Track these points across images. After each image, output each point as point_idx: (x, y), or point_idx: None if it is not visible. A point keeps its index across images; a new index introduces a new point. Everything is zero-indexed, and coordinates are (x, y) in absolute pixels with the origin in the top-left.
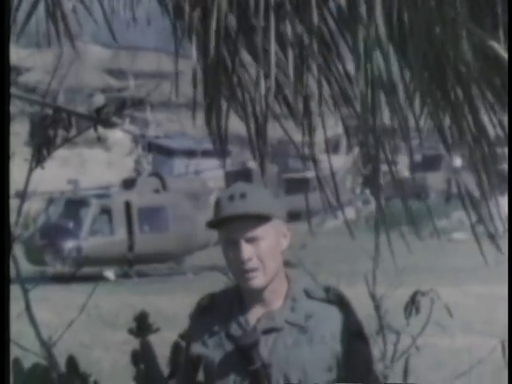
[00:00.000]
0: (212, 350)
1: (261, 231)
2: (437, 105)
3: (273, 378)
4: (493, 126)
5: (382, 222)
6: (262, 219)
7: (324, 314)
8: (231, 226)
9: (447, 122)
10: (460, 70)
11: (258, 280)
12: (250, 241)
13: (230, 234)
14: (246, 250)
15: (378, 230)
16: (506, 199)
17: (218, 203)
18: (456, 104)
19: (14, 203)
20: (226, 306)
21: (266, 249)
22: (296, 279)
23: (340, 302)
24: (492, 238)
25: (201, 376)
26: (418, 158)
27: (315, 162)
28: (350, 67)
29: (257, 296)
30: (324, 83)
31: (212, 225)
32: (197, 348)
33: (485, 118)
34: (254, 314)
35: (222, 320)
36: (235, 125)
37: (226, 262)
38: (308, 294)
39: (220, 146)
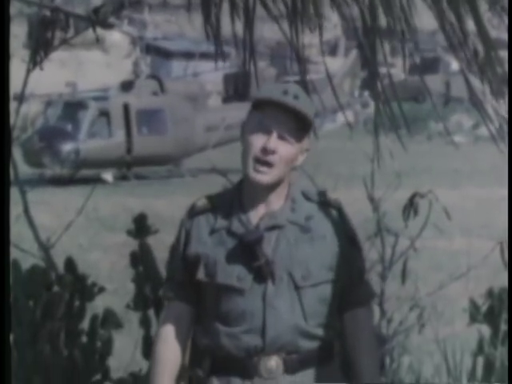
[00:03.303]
0: (212, 248)
1: (295, 137)
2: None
3: (276, 274)
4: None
5: (381, 124)
6: (301, 126)
7: (322, 216)
8: (273, 114)
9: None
10: None
11: (266, 176)
12: (281, 138)
13: (267, 120)
14: (275, 142)
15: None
16: (505, 101)
17: (267, 89)
18: (457, 4)
19: (11, 105)
20: (224, 206)
21: (287, 154)
22: (294, 181)
23: (336, 206)
24: (491, 140)
25: (201, 275)
26: (416, 60)
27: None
28: None
29: (258, 196)
30: None
31: (258, 102)
32: (195, 247)
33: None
34: (256, 213)
35: (222, 218)
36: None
37: (245, 146)
38: (306, 197)
39: (216, 47)
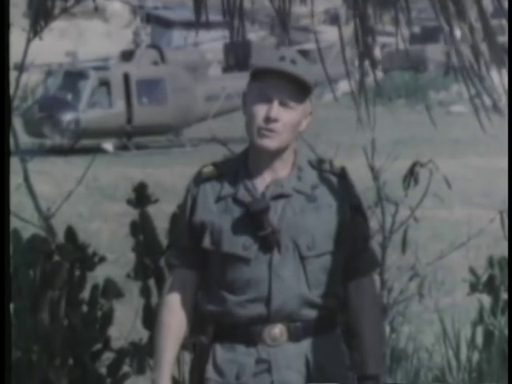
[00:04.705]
0: (218, 215)
1: (296, 101)
2: None
3: (282, 243)
4: None
5: (381, 94)
6: (301, 91)
7: (328, 184)
8: (272, 82)
9: None
10: None
11: (272, 141)
12: (282, 105)
13: (267, 89)
14: (277, 110)
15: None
16: (505, 71)
17: (265, 57)
18: None
19: (12, 75)
20: (230, 174)
21: (290, 120)
22: (301, 150)
23: (341, 174)
24: (491, 110)
25: (206, 243)
26: (416, 29)
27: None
28: None
29: (264, 163)
30: None
31: (256, 72)
32: (201, 214)
33: None
34: (262, 181)
35: (228, 186)
36: None
37: (248, 116)
38: (312, 165)
39: (197, 15)
